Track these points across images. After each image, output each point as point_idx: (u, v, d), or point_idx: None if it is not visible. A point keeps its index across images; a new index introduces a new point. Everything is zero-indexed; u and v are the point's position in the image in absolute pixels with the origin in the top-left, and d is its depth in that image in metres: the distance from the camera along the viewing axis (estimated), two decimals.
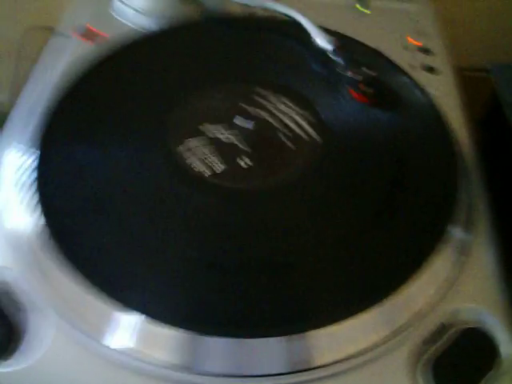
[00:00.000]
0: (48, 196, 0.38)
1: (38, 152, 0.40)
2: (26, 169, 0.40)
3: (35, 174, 0.39)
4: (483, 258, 0.38)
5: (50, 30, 0.61)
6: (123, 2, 0.55)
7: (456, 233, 0.39)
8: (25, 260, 0.36)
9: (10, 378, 0.32)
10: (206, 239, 0.36)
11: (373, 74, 0.46)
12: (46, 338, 0.33)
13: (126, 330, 0.33)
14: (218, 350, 0.32)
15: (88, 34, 0.52)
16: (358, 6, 0.59)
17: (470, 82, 0.62)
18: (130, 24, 0.54)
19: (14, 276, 0.36)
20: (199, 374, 0.32)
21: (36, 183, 0.38)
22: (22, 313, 0.34)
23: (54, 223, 0.36)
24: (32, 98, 0.47)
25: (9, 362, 0.33)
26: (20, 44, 0.59)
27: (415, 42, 0.56)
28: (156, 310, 0.33)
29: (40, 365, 0.33)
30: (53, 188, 0.38)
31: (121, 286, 0.34)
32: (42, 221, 0.36)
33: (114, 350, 0.33)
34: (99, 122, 0.43)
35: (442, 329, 0.35)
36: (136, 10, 0.54)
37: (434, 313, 0.35)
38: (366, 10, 0.59)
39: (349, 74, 0.46)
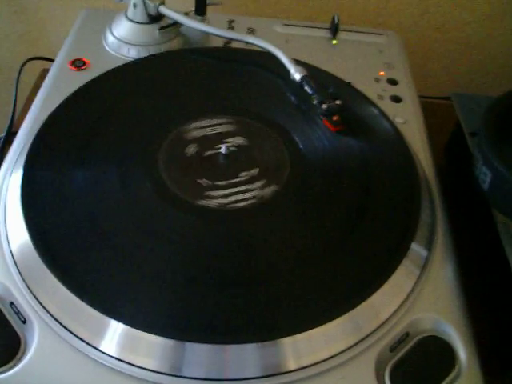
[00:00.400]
0: (31, 213, 0.40)
1: (22, 173, 0.43)
2: (13, 188, 0.43)
3: (19, 193, 0.41)
4: (442, 273, 0.41)
5: (47, 61, 0.64)
6: (115, 36, 0.58)
7: (418, 249, 0.42)
8: (12, 273, 0.38)
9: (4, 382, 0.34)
10: (186, 254, 0.39)
11: (338, 103, 0.48)
12: (35, 344, 0.35)
13: (113, 336, 0.35)
14: (199, 355, 0.35)
15: (82, 65, 0.55)
16: (333, 41, 0.63)
17: (436, 109, 0.66)
18: (121, 56, 0.57)
19: (3, 289, 0.38)
20: (181, 377, 0.34)
21: (20, 201, 0.41)
22: (15, 322, 0.36)
23: (37, 239, 0.39)
24: (30, 124, 0.49)
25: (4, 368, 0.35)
26: (19, 72, 0.62)
27: (383, 73, 0.59)
28: (140, 319, 0.35)
29: (27, 369, 0.34)
30: (35, 206, 0.41)
31: (106, 297, 0.36)
32: (27, 237, 0.39)
33: (103, 352, 0.35)
34: (82, 144, 0.46)
35: (406, 336, 0.38)
36: (126, 43, 0.57)
37: (398, 322, 0.38)
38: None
39: (315, 103, 0.49)
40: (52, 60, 0.58)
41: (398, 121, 0.53)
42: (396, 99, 0.56)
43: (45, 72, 0.66)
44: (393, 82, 0.58)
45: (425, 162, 0.50)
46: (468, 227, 0.52)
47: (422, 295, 0.40)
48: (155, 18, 0.58)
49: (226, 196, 0.43)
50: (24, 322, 0.36)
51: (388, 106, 0.54)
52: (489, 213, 0.46)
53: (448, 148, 0.61)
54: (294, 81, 0.51)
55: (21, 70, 0.62)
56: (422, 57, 0.81)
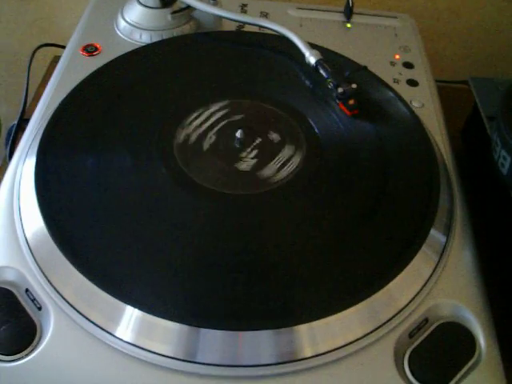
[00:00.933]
0: (45, 200, 0.40)
1: (35, 160, 0.43)
2: (27, 175, 0.42)
3: (33, 179, 0.41)
4: (461, 259, 0.41)
5: (59, 48, 0.63)
6: (127, 21, 0.57)
7: (437, 235, 0.41)
8: (27, 260, 0.38)
9: (19, 369, 0.34)
10: (203, 240, 0.39)
11: (354, 86, 0.47)
12: (50, 330, 0.35)
13: (129, 322, 0.35)
14: (214, 341, 0.34)
15: (94, 51, 0.55)
16: (348, 24, 0.62)
17: (453, 93, 0.65)
18: (134, 41, 0.56)
19: (18, 275, 0.38)
20: (196, 363, 0.34)
21: (34, 188, 0.41)
22: (31, 309, 0.36)
23: (52, 226, 0.38)
24: (42, 111, 0.49)
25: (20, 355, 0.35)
26: (30, 60, 0.61)
27: (399, 57, 0.58)
28: (155, 305, 0.35)
29: (43, 355, 0.34)
30: (49, 192, 0.40)
31: (121, 283, 0.36)
32: (42, 223, 0.39)
33: (118, 338, 0.35)
34: (95, 130, 0.45)
35: (425, 323, 0.37)
36: (138, 28, 0.56)
37: (417, 308, 0.37)
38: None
39: (330, 86, 0.48)
40: (63, 46, 0.58)
41: (415, 105, 0.52)
42: (412, 83, 0.55)
43: (56, 59, 0.66)
44: (408, 65, 0.57)
45: (442, 146, 0.49)
46: (487, 212, 0.51)
47: (440, 281, 0.39)
48: (167, 3, 0.57)
49: (241, 181, 0.43)
50: (40, 308, 0.36)
51: (404, 90, 0.53)
52: (508, 197, 0.45)
53: (465, 132, 0.60)
54: (308, 64, 0.51)
55: (32, 57, 0.62)
56: (437, 40, 0.80)
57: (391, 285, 0.37)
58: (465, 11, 0.76)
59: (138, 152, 0.44)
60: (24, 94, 0.61)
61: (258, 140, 0.46)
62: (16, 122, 0.59)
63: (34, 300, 0.37)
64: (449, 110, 0.55)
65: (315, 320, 0.35)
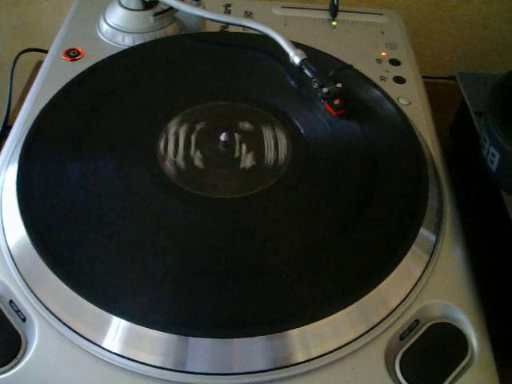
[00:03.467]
0: (27, 209, 0.39)
1: (17, 167, 0.42)
2: (9, 183, 0.42)
3: (15, 188, 0.40)
4: (451, 258, 0.40)
5: (42, 53, 0.62)
6: (109, 24, 0.56)
7: (427, 234, 0.41)
8: (10, 271, 0.38)
9: (4, 383, 0.34)
10: (190, 247, 0.38)
11: (339, 86, 0.47)
12: (35, 342, 0.35)
13: (116, 332, 0.34)
14: (204, 350, 0.34)
15: (77, 55, 0.54)
16: (333, 22, 0.61)
17: (441, 89, 0.65)
18: (116, 44, 0.56)
19: (1, 287, 0.37)
20: (186, 372, 0.34)
21: (16, 196, 0.40)
22: (15, 321, 0.36)
23: (35, 235, 0.38)
24: (24, 117, 0.48)
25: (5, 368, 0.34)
26: (13, 65, 0.60)
27: (385, 54, 0.58)
28: (142, 315, 0.34)
29: (28, 368, 0.34)
30: (32, 200, 0.40)
31: (107, 293, 0.35)
32: (24, 233, 0.38)
33: (105, 349, 0.34)
34: (78, 136, 0.45)
35: (416, 324, 0.37)
36: (120, 31, 0.56)
37: (407, 309, 0.37)
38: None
39: (315, 86, 0.48)
40: (46, 51, 0.57)
41: (402, 102, 0.52)
42: (399, 80, 0.55)
43: (40, 64, 0.65)
44: (395, 62, 0.57)
45: (431, 143, 0.49)
46: (476, 209, 0.51)
47: (431, 281, 0.39)
48: (149, 5, 0.56)
49: (227, 185, 0.42)
50: (24, 320, 0.36)
51: (391, 88, 0.53)
52: (497, 194, 0.45)
53: (454, 129, 0.60)
54: (293, 64, 0.50)
55: (15, 62, 0.61)
56: (424, 36, 0.79)
57: (382, 286, 0.37)
58: (452, 5, 0.76)
59: (122, 158, 0.43)
60: (7, 99, 0.60)
61: (243, 142, 0.45)
62: None
63: (18, 311, 0.36)
64: (437, 106, 0.54)
65: (307, 324, 0.35)
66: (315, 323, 0.35)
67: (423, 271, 0.39)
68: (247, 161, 0.44)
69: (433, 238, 0.41)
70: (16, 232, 0.39)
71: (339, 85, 0.47)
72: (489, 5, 0.76)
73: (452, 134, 0.60)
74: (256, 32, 0.54)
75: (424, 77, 0.57)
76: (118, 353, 0.34)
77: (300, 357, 0.34)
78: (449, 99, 0.59)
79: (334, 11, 0.62)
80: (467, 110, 0.53)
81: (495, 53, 0.81)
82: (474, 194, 0.51)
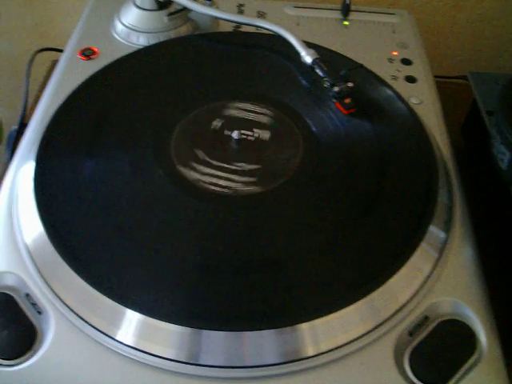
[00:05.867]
0: (44, 205, 0.40)
1: (34, 165, 0.43)
2: (26, 180, 0.42)
3: (32, 185, 0.41)
4: (461, 255, 0.40)
5: (57, 52, 0.63)
6: (124, 24, 0.57)
7: (436, 232, 0.41)
8: (27, 265, 0.38)
9: (20, 374, 0.34)
10: (203, 242, 0.39)
11: (350, 85, 0.47)
12: (51, 335, 0.36)
13: (130, 325, 0.35)
14: (216, 343, 0.34)
15: (92, 54, 0.55)
16: (345, 22, 0.62)
17: (452, 89, 0.65)
18: (131, 44, 0.56)
19: (18, 280, 0.38)
20: (198, 365, 0.34)
21: (33, 193, 0.41)
22: (31, 314, 0.36)
23: (51, 230, 0.39)
24: (41, 116, 0.49)
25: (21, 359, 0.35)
26: (29, 64, 0.61)
27: (397, 53, 0.58)
28: (156, 308, 0.35)
29: (44, 360, 0.35)
30: (48, 197, 0.41)
31: (122, 286, 0.36)
32: (41, 228, 0.39)
33: (119, 342, 0.35)
34: (94, 134, 0.45)
35: (425, 320, 0.37)
36: (135, 30, 0.56)
37: (417, 306, 0.37)
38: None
39: (327, 85, 0.48)
40: (61, 51, 0.58)
41: (413, 101, 0.52)
42: (410, 79, 0.55)
43: (55, 63, 0.65)
44: (407, 62, 0.57)
45: (441, 142, 0.49)
46: (486, 208, 0.51)
47: (440, 278, 0.39)
48: (164, 5, 0.57)
49: (240, 181, 0.43)
50: (40, 313, 0.36)
51: (402, 87, 0.53)
52: (508, 192, 0.45)
53: (465, 128, 0.60)
54: (305, 64, 0.51)
55: (31, 61, 0.62)
56: (435, 36, 0.79)
57: (391, 281, 0.37)
58: (464, 5, 0.76)
59: (137, 156, 0.44)
60: (24, 98, 0.61)
61: (256, 140, 0.46)
62: (16, 127, 0.59)
63: (34, 305, 0.37)
64: (448, 105, 0.54)
65: (317, 318, 0.35)
66: (325, 318, 0.35)
67: (433, 268, 0.39)
68: (259, 159, 0.45)
69: (443, 235, 0.41)
70: (33, 227, 0.40)
71: (350, 84, 0.47)
72: (501, 4, 0.76)
73: (463, 133, 0.60)
74: (269, 32, 0.55)
75: (435, 76, 0.57)
76: (131, 345, 0.35)
77: (310, 351, 0.35)
78: (460, 99, 0.59)
79: (345, 11, 0.62)
80: (478, 109, 0.53)
81: (507, 52, 0.81)
82: (484, 192, 0.51)
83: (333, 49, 0.55)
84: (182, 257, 0.38)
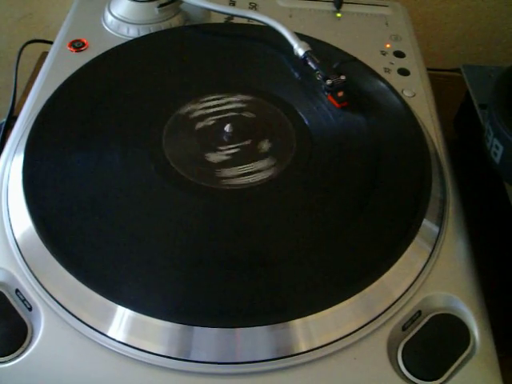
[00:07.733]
0: (33, 199, 0.39)
1: (23, 158, 0.42)
2: (15, 174, 0.42)
3: (21, 179, 0.41)
4: (454, 249, 0.40)
5: (47, 44, 0.63)
6: (114, 16, 0.56)
7: (430, 226, 0.41)
8: (17, 260, 0.38)
9: (10, 370, 0.34)
10: (194, 237, 0.38)
11: (342, 78, 0.47)
12: (41, 331, 0.35)
13: (120, 321, 0.35)
14: (208, 339, 0.34)
15: (82, 46, 0.54)
16: (338, 14, 0.61)
17: (445, 81, 0.65)
18: (121, 35, 0.56)
19: (7, 276, 0.37)
20: (190, 361, 0.34)
21: (22, 187, 0.40)
22: (21, 310, 0.36)
23: (40, 225, 0.38)
24: (30, 108, 0.48)
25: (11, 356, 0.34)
26: (18, 56, 0.61)
27: (389, 46, 0.57)
28: (147, 304, 0.35)
29: (34, 356, 0.34)
30: (37, 191, 0.40)
31: (112, 282, 0.36)
32: (30, 223, 0.38)
33: (110, 338, 0.35)
34: (84, 127, 0.45)
35: (418, 315, 0.37)
36: (125, 22, 0.56)
37: (410, 300, 0.37)
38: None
39: (319, 78, 0.48)
40: (52, 42, 0.57)
41: (406, 94, 0.52)
42: (404, 72, 0.54)
43: (45, 55, 0.65)
44: (400, 54, 0.57)
45: (434, 135, 0.49)
46: (480, 202, 0.51)
47: (433, 272, 0.39)
48: None
49: (232, 176, 0.42)
50: (30, 309, 0.36)
51: (395, 80, 0.53)
52: (501, 186, 0.45)
53: (458, 121, 0.60)
54: (297, 56, 0.50)
55: (20, 53, 0.61)
56: (428, 28, 0.79)
57: (384, 277, 0.37)
58: None
59: (127, 149, 0.43)
60: (13, 91, 0.60)
61: (248, 133, 0.46)
62: (5, 120, 0.58)
63: (24, 300, 0.36)
64: (441, 98, 0.54)
65: (310, 314, 0.35)
66: (318, 313, 0.35)
67: (426, 262, 0.39)
68: (251, 152, 0.44)
69: (436, 229, 0.41)
70: (22, 222, 0.39)
71: (343, 77, 0.47)
72: None
73: (456, 126, 0.60)
74: (261, 24, 0.54)
75: (428, 69, 0.57)
76: (122, 341, 0.35)
77: (303, 346, 0.35)
78: (453, 91, 0.59)
79: (338, 3, 0.61)
80: (471, 102, 0.53)
81: (500, 45, 0.81)
82: (478, 186, 0.51)
83: (325, 41, 0.55)
84: (174, 253, 0.37)
